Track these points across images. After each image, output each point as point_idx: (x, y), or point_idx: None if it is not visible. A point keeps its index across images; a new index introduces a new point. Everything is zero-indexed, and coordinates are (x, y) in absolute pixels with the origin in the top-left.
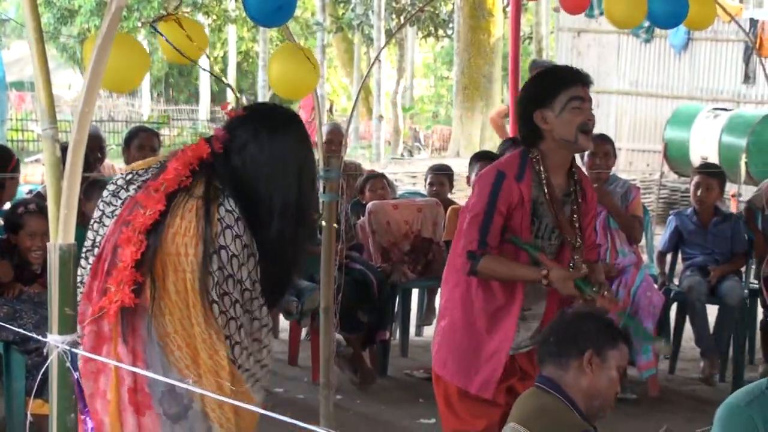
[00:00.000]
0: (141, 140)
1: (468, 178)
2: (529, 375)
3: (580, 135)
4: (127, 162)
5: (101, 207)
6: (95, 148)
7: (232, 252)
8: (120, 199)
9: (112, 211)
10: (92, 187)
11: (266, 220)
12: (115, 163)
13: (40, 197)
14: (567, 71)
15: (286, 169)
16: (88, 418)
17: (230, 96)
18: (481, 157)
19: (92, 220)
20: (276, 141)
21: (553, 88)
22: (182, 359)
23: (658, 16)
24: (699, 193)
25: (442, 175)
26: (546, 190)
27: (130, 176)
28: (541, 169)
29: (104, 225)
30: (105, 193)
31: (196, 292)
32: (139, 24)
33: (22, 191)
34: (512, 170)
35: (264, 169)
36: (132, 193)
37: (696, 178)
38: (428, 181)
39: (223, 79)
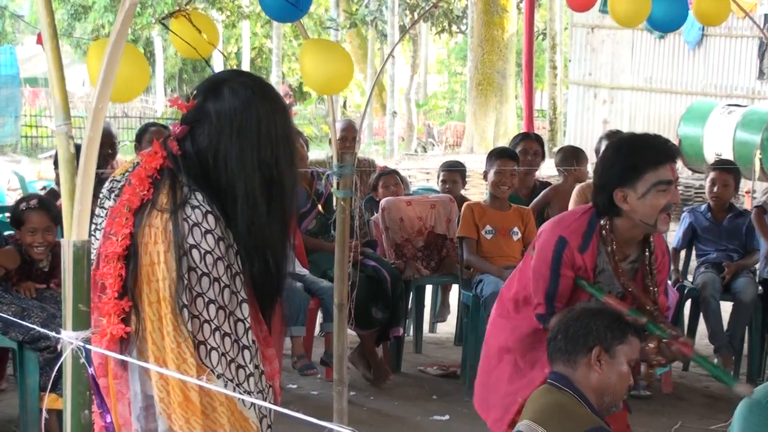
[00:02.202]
0: (152, 136)
1: (485, 173)
2: None
3: (661, 217)
4: None
5: (94, 219)
6: (106, 144)
7: (205, 249)
8: (105, 209)
9: (101, 224)
10: (102, 185)
11: (233, 207)
12: (128, 159)
13: (53, 194)
14: (656, 149)
15: (241, 141)
16: (106, 413)
17: None
18: (501, 154)
19: (90, 233)
20: (226, 110)
21: (638, 169)
22: (155, 373)
23: (656, 20)
24: (715, 189)
25: (454, 172)
26: (611, 263)
27: (110, 185)
28: (611, 240)
29: (96, 238)
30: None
31: (167, 300)
32: (153, 20)
33: (36, 187)
34: (576, 239)
35: (221, 148)
36: (113, 203)
37: (712, 175)
38: (440, 178)
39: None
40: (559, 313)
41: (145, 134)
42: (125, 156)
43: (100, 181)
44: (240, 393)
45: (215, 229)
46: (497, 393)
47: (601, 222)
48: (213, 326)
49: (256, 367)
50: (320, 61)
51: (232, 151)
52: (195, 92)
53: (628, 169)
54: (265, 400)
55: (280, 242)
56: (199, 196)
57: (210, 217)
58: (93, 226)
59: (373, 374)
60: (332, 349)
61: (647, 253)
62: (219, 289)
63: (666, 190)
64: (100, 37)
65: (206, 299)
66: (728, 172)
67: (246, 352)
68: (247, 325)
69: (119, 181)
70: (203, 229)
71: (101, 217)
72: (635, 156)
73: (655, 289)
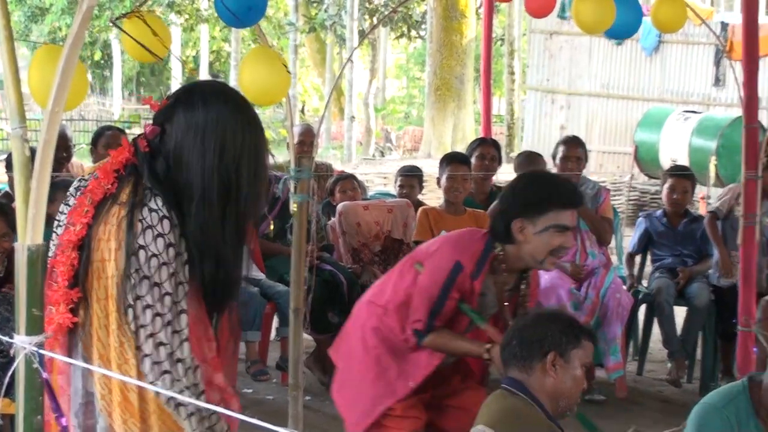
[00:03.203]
0: (107, 139)
1: (438, 179)
2: (444, 393)
3: (549, 258)
4: (95, 161)
5: (58, 216)
6: (60, 147)
7: (152, 252)
8: (69, 206)
9: (62, 219)
10: (55, 188)
11: (188, 207)
12: (84, 162)
13: (7, 197)
14: (564, 192)
15: (205, 146)
16: (62, 417)
17: None
18: (452, 159)
19: (53, 230)
20: (195, 117)
21: (543, 205)
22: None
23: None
24: (675, 196)
25: (411, 177)
26: (496, 289)
27: (78, 183)
28: (501, 269)
29: (57, 234)
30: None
31: (113, 298)
32: (110, 23)
33: None
34: (470, 266)
35: (184, 151)
36: None
37: (670, 181)
38: (398, 183)
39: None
40: (435, 331)
41: (101, 138)
42: (80, 159)
43: (54, 185)
44: (172, 406)
45: (167, 234)
46: (363, 394)
47: (496, 250)
48: (147, 332)
49: (195, 385)
50: (256, 73)
51: (194, 152)
52: (170, 95)
53: (534, 203)
54: (205, 423)
55: (232, 249)
56: (159, 201)
57: (165, 222)
58: (56, 223)
59: (329, 379)
60: (288, 354)
61: (524, 285)
62: (159, 295)
63: (562, 234)
64: (57, 40)
65: (144, 303)
66: (686, 178)
67: (179, 366)
68: (183, 338)
69: (87, 180)
70: (155, 232)
71: (65, 214)
72: (545, 193)
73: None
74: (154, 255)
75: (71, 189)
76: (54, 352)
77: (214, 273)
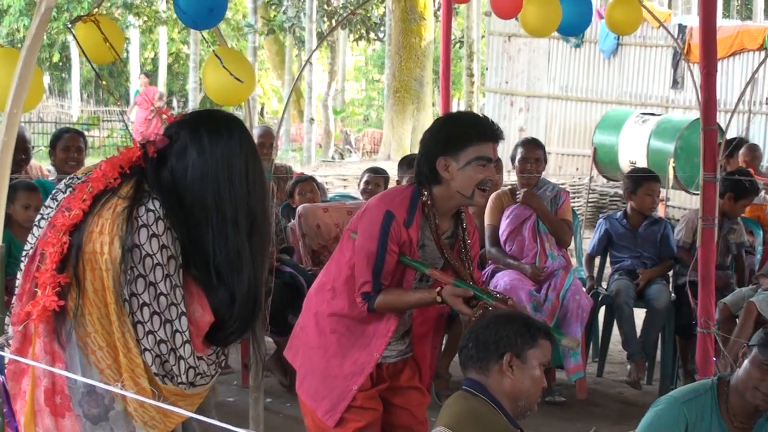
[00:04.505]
0: (66, 141)
1: (398, 181)
2: (394, 386)
3: (477, 191)
4: (54, 163)
5: (41, 210)
6: (19, 148)
7: (146, 251)
8: (57, 201)
9: (49, 213)
10: (14, 189)
11: (216, 233)
12: (42, 165)
13: None
14: (482, 126)
15: (233, 177)
16: (12, 420)
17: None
18: (411, 161)
19: (34, 224)
20: (219, 146)
21: (463, 140)
22: (103, 359)
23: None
24: (649, 201)
25: (378, 177)
26: (433, 236)
27: (70, 180)
28: (432, 214)
29: (41, 227)
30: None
31: (110, 290)
32: (65, 26)
33: None
34: (401, 213)
35: (209, 177)
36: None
37: (648, 186)
38: (364, 179)
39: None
40: (383, 291)
41: (59, 140)
42: (39, 161)
43: (12, 186)
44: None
45: (161, 236)
46: (332, 379)
47: (423, 197)
48: (146, 329)
49: (191, 383)
50: (221, 73)
51: (223, 179)
52: (190, 114)
53: (454, 139)
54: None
55: (261, 271)
56: (157, 203)
57: (160, 224)
58: (39, 216)
59: (290, 380)
60: (249, 356)
61: (461, 229)
62: (154, 294)
63: (485, 167)
64: (15, 42)
65: (141, 301)
66: (657, 181)
67: (182, 363)
68: (185, 338)
69: (80, 179)
70: (150, 232)
71: (51, 208)
72: (463, 128)
73: (470, 263)
74: (148, 255)
75: (61, 185)
76: (37, 337)
77: (245, 291)
